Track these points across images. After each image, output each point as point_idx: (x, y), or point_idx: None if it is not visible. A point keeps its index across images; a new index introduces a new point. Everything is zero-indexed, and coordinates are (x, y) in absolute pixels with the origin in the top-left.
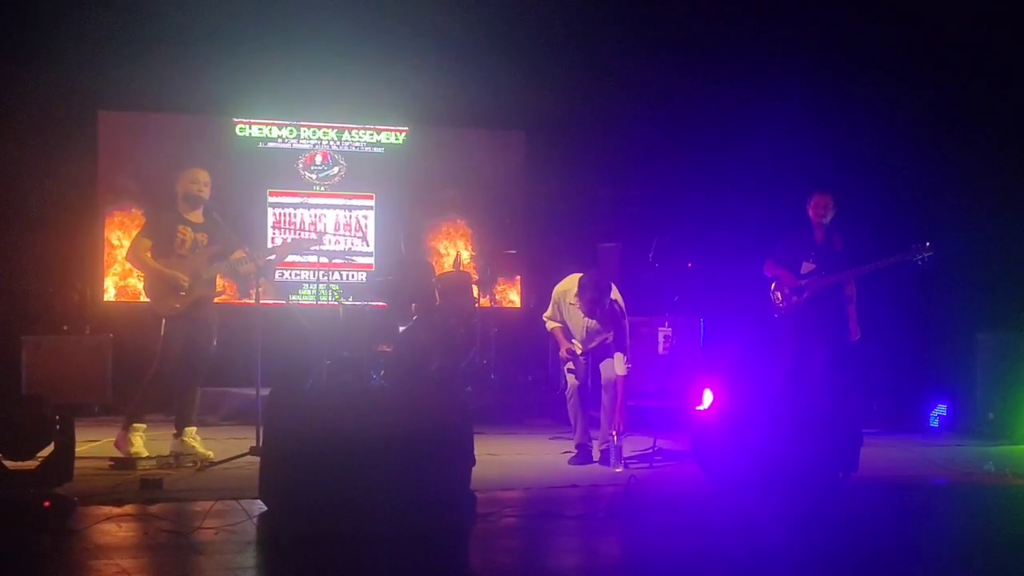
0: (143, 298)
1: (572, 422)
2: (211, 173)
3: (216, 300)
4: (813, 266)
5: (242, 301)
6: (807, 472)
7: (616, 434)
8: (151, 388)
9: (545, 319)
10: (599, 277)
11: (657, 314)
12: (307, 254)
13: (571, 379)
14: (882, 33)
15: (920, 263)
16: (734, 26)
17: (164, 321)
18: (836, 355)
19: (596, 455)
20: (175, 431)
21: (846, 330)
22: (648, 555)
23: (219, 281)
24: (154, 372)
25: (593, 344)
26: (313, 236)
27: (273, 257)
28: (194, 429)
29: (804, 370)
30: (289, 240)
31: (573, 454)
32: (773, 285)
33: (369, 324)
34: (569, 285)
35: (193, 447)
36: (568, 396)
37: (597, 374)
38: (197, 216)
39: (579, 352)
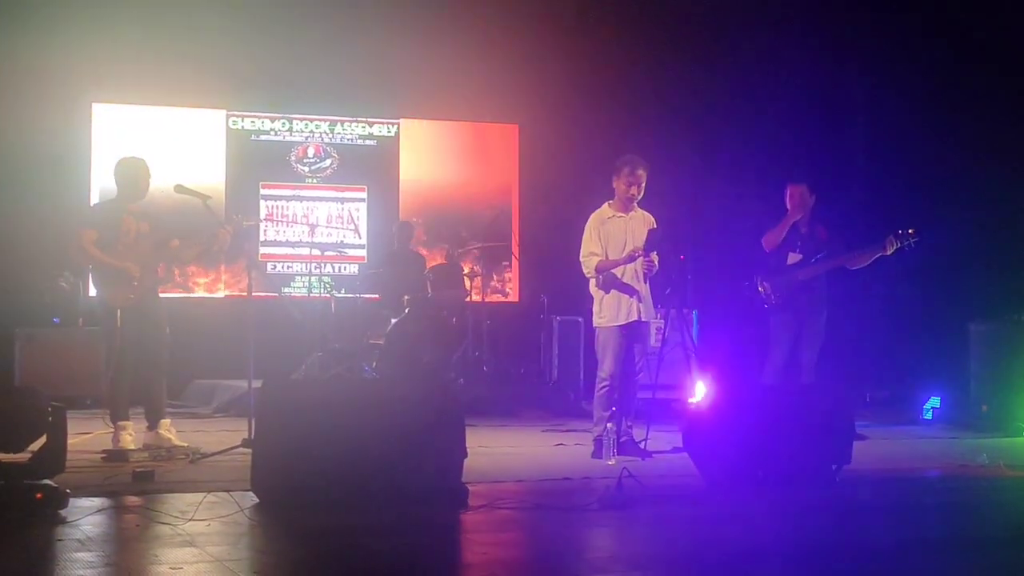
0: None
1: (601, 414)
2: (204, 166)
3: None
4: (800, 256)
5: (235, 294)
6: (800, 465)
7: (616, 425)
8: (118, 383)
9: (585, 258)
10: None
11: None
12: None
13: (610, 365)
14: (874, 23)
15: (908, 249)
16: (727, 19)
17: (119, 313)
18: (829, 346)
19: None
20: (147, 425)
21: (838, 320)
22: (640, 547)
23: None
24: (115, 367)
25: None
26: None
27: (214, 244)
28: (168, 421)
29: (797, 362)
30: (229, 229)
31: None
32: (760, 283)
33: (361, 316)
34: (601, 209)
35: (168, 439)
36: (601, 386)
37: (631, 357)
38: (136, 206)
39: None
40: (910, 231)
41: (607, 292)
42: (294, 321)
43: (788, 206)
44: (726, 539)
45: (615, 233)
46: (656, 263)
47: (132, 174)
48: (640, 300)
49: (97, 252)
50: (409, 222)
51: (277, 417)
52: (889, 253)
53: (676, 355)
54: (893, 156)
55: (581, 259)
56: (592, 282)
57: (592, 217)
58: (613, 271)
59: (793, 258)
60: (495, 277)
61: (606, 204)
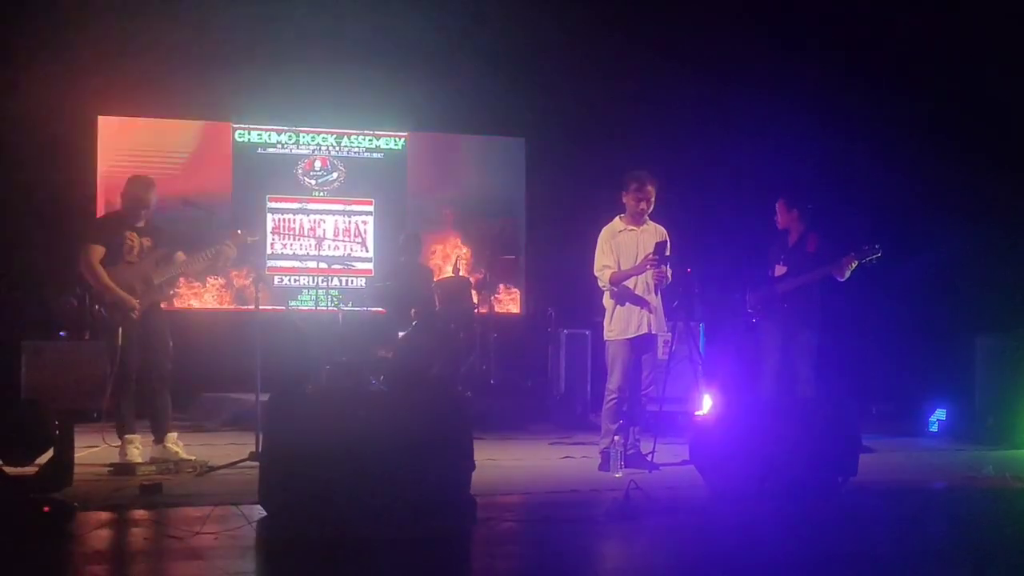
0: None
1: (609, 426)
2: (210, 178)
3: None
4: (785, 269)
5: (242, 307)
6: (806, 477)
7: (623, 437)
8: (122, 397)
9: (599, 271)
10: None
11: None
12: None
13: (618, 377)
14: (879, 39)
15: (870, 264)
16: (731, 34)
17: (120, 329)
18: (819, 354)
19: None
20: (154, 439)
21: (826, 328)
22: (647, 560)
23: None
24: (118, 381)
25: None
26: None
27: (213, 256)
28: (175, 435)
29: (793, 373)
30: (233, 246)
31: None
32: (746, 296)
33: (368, 329)
34: (612, 222)
35: (176, 452)
36: (609, 398)
37: (640, 370)
38: (141, 221)
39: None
40: (875, 246)
41: (621, 304)
42: (301, 334)
43: (776, 220)
44: (733, 551)
45: (626, 246)
46: (669, 275)
47: (140, 194)
48: (651, 312)
49: (103, 275)
50: (416, 235)
51: (284, 430)
52: (850, 270)
53: (683, 368)
54: (899, 169)
55: (596, 272)
56: (606, 294)
57: (604, 230)
58: (626, 283)
59: (779, 270)
60: (502, 290)
61: (618, 218)
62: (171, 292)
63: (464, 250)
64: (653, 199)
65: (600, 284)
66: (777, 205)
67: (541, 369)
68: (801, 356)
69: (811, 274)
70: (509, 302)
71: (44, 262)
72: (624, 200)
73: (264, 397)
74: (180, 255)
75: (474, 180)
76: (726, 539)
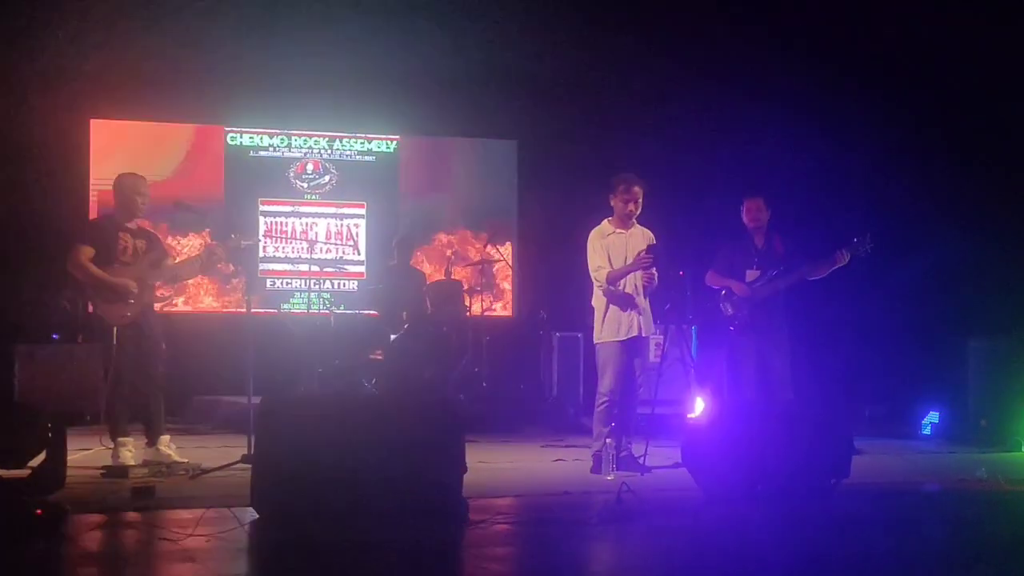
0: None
1: (600, 429)
2: (202, 182)
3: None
4: (757, 272)
5: (237, 310)
6: (799, 479)
7: (615, 440)
8: (116, 400)
9: (595, 271)
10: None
11: None
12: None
13: (610, 380)
14: (873, 40)
15: (864, 255)
16: (722, 35)
17: (116, 330)
18: (828, 361)
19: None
20: (147, 441)
21: (808, 332)
22: (639, 562)
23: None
24: (112, 383)
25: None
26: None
27: (210, 258)
28: (167, 437)
29: (772, 376)
30: (223, 245)
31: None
32: (724, 292)
33: (360, 332)
34: (601, 225)
35: (169, 455)
36: (600, 401)
37: (631, 373)
38: (133, 223)
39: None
40: (867, 236)
41: (611, 306)
42: (293, 337)
43: (745, 220)
44: (724, 553)
45: (616, 249)
46: (656, 277)
47: (130, 192)
48: (640, 314)
49: (95, 269)
50: (408, 238)
51: (276, 433)
52: (843, 264)
53: (675, 371)
54: (892, 173)
55: (592, 274)
56: (594, 296)
57: (593, 233)
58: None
59: (751, 275)
60: (494, 293)
61: (606, 221)
62: (171, 295)
63: (456, 253)
64: (641, 201)
65: (597, 285)
66: (753, 203)
67: (533, 372)
68: (779, 356)
69: (798, 273)
70: (500, 305)
71: (37, 266)
72: (612, 203)
73: (256, 400)
74: (169, 260)
75: (466, 183)
76: (718, 542)
